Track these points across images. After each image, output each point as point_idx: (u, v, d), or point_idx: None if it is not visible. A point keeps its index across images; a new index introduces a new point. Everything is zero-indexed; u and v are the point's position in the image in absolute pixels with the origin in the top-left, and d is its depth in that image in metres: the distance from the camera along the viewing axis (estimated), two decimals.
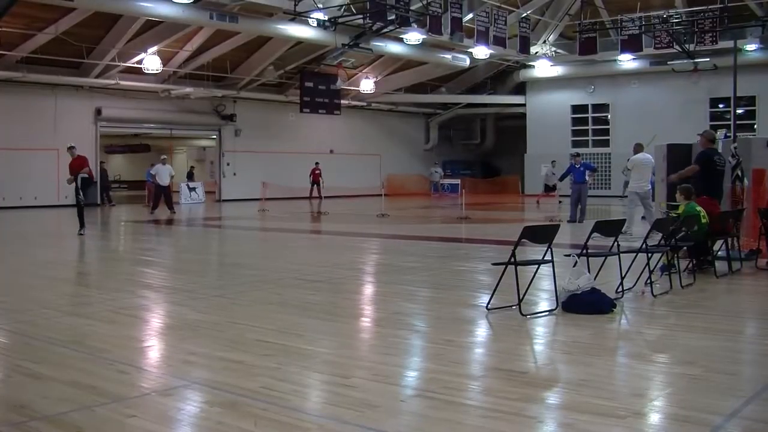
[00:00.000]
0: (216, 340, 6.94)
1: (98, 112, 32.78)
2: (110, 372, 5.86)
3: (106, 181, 34.03)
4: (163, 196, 27.78)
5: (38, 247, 16.49)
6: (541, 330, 7.58)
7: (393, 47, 34.16)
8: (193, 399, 5.31)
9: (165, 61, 31.76)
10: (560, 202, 30.32)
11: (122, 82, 32.09)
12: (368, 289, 10.87)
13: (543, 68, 41.66)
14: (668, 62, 36.63)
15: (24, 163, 30.56)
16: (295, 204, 33.67)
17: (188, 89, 34.26)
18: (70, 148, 19.14)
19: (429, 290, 10.24)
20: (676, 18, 33.53)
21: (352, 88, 39.42)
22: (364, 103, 42.33)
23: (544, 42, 39.42)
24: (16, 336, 7.30)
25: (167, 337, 7.45)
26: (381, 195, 29.49)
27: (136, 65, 31.17)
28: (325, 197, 36.45)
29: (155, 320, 8.34)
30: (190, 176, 42.32)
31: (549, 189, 32.20)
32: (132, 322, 8.02)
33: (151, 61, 30.91)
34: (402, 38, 32.96)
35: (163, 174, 27.50)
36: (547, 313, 8.16)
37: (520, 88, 44.55)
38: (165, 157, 29.61)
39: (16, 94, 30.39)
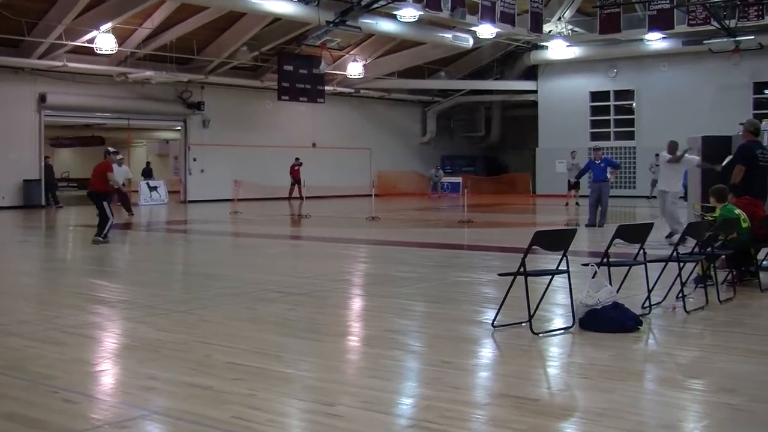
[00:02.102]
0: (180, 363, 6.92)
1: (42, 98, 32.64)
2: (55, 401, 5.84)
3: (51, 179, 33.92)
4: (119, 197, 27.68)
5: None
6: (555, 351, 7.58)
7: (385, 25, 34.19)
8: (151, 431, 5.30)
9: (121, 40, 31.67)
10: (578, 204, 30.41)
11: (70, 64, 31.97)
12: (356, 304, 10.86)
13: (558, 49, 41.76)
14: (704, 41, 36.57)
15: None
16: (272, 205, 33.65)
17: (148, 73, 34.18)
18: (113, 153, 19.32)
19: (426, 304, 10.23)
20: None
21: (337, 72, 39.43)
22: (352, 90, 42.34)
23: (559, 19, 39.53)
24: None
25: (123, 360, 7.41)
26: (371, 195, 29.49)
27: (86, 44, 31.04)
28: (307, 198, 36.45)
29: (109, 340, 8.31)
30: (148, 173, 42.00)
31: (574, 186, 32.15)
32: (82, 342, 7.99)
33: (104, 40, 30.79)
34: (395, 15, 33.00)
35: (118, 175, 27.21)
36: (562, 331, 8.16)
37: (531, 73, 44.64)
38: (121, 156, 29.36)
39: None
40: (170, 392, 6.07)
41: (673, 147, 17.36)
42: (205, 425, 5.23)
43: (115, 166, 27.58)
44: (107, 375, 6.88)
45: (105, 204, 18.08)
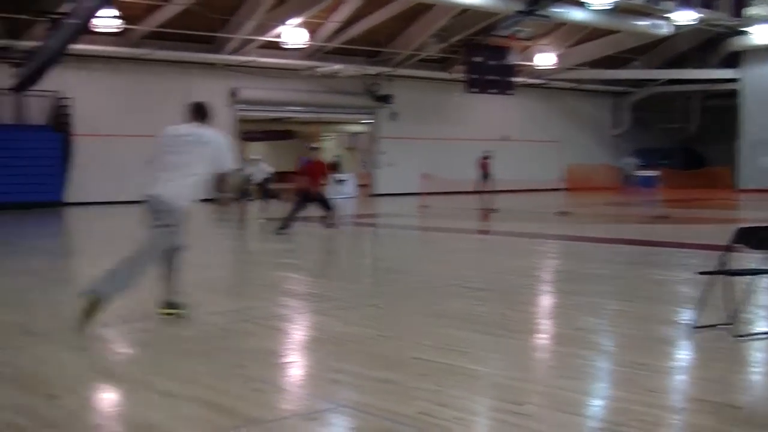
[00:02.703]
0: (367, 357, 7.00)
1: (234, 93, 33.71)
2: (245, 391, 6.00)
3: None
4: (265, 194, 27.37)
5: None
6: (759, 356, 7.29)
7: (576, 13, 33.71)
8: (340, 424, 5.39)
9: (310, 34, 32.38)
10: None
11: (261, 59, 32.92)
12: (545, 300, 10.76)
13: (763, 34, 40.06)
14: None
15: (150, 152, 31.72)
16: (460, 199, 33.69)
17: (336, 66, 34.83)
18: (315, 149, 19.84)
19: (618, 303, 10.01)
20: None
21: (527, 63, 39.13)
22: (542, 81, 41.96)
23: (765, 2, 37.90)
24: (140, 347, 7.63)
25: (311, 352, 7.58)
26: (561, 189, 29.14)
27: (276, 39, 31.89)
28: (495, 192, 36.29)
29: (297, 332, 8.51)
30: (335, 167, 42.73)
31: None
32: (271, 334, 8.22)
33: (293, 35, 31.55)
34: (585, 2, 32.44)
35: (260, 173, 27.15)
36: (766, 335, 7.83)
37: (733, 60, 43.01)
38: (255, 157, 29.00)
39: (141, 73, 31.61)
40: (357, 386, 6.14)
41: None
42: (391, 420, 5.26)
43: (253, 164, 27.68)
44: (295, 366, 7.05)
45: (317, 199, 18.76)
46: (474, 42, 37.01)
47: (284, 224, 18.60)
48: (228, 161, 8.41)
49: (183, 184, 8.23)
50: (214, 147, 8.34)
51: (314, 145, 20.58)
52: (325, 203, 19.34)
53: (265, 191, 27.44)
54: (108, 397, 6.22)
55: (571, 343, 7.62)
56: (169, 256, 8.47)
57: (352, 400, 5.76)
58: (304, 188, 19.10)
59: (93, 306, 7.72)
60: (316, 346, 7.80)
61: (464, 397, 5.84)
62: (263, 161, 27.99)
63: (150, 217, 8.31)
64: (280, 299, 10.30)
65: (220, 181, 8.61)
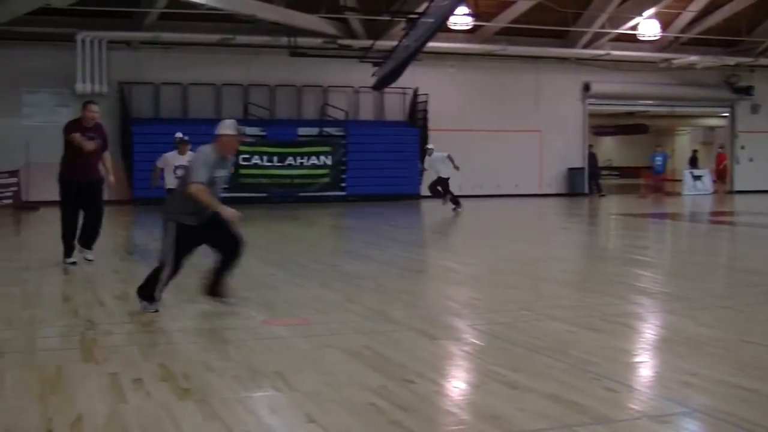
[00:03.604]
0: (723, 361, 6.71)
1: (586, 87, 33.53)
2: (595, 388, 5.93)
3: (595, 168, 34.76)
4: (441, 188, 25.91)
5: (517, 242, 17.36)
6: None
7: None
8: (693, 430, 5.21)
9: (665, 26, 31.55)
10: None
11: (614, 52, 32.46)
12: None
13: None
14: None
15: (503, 146, 32.19)
16: None
17: (693, 58, 33.67)
18: None
19: None
20: None
21: None
22: None
23: None
24: (491, 338, 7.71)
25: (663, 353, 7.36)
26: None
27: (629, 32, 31.35)
28: None
29: (649, 332, 8.31)
30: (693, 162, 41.69)
31: None
32: (622, 331, 8.07)
33: (647, 26, 30.88)
34: None
35: (439, 162, 25.84)
36: None
37: None
38: (430, 146, 27.04)
39: (492, 69, 32.16)
40: (711, 391, 5.89)
41: None
42: (748, 429, 5.00)
43: (433, 155, 25.85)
44: (646, 367, 6.88)
45: None
46: None
47: None
48: None
49: None
50: None
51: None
52: None
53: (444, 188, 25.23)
54: (458, 386, 6.38)
55: None
56: None
57: (706, 406, 5.54)
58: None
59: None
60: (667, 346, 7.57)
61: None
62: (436, 150, 25.80)
63: None
64: (632, 296, 10.10)
65: None
